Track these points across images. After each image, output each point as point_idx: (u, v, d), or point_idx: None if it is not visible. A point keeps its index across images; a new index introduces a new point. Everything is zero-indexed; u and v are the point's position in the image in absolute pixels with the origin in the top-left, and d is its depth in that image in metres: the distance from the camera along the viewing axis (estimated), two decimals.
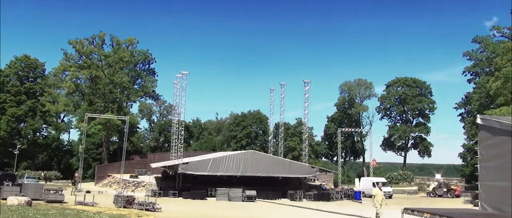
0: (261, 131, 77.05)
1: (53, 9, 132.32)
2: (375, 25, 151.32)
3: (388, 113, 75.67)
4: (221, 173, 36.44)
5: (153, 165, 44.47)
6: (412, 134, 74.10)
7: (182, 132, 44.42)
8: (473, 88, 60.83)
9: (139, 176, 44.33)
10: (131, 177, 42.77)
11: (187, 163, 35.87)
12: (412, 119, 75.03)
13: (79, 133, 60.71)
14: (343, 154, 76.49)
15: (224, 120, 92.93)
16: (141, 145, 78.82)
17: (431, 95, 74.54)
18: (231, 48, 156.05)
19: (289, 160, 42.33)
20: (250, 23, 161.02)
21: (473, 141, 54.86)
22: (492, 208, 13.26)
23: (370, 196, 37.51)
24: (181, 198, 33.38)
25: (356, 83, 76.94)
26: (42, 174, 53.72)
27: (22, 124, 62.98)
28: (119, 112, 56.25)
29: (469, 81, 62.55)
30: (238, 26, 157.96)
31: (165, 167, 41.44)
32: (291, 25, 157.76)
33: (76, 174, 41.91)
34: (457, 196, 43.43)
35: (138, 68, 64.35)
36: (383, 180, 47.32)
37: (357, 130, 72.77)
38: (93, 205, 22.92)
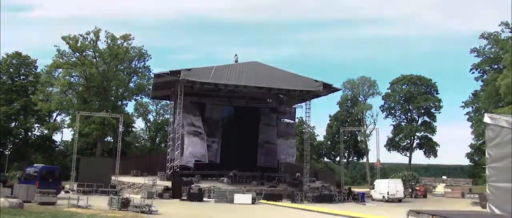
0: None
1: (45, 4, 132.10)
2: (378, 20, 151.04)
3: (393, 111, 75.71)
4: (225, 81, 37.51)
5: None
6: (418, 134, 74.18)
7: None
8: (481, 86, 60.82)
9: (134, 177, 44.22)
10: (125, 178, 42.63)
11: (189, 70, 36.19)
12: (417, 118, 75.08)
13: (72, 132, 60.68)
14: (346, 154, 76.58)
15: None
16: (136, 144, 78.78)
17: (437, 94, 74.64)
18: (230, 43, 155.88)
19: (292, 72, 41.54)
20: (247, 17, 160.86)
21: (481, 141, 54.87)
22: (500, 209, 13.27)
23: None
24: (178, 199, 33.38)
25: (359, 81, 76.97)
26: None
27: (14, 123, 62.96)
28: (114, 110, 56.18)
29: (476, 79, 62.54)
30: (236, 20, 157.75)
31: (161, 167, 41.64)
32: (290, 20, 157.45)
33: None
34: (424, 196, 44.35)
35: (133, 65, 64.20)
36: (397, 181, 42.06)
37: (360, 129, 72.80)
38: (87, 208, 22.91)
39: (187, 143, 41.61)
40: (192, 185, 35.92)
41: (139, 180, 41.56)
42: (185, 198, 33.37)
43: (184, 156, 41.19)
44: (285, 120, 49.26)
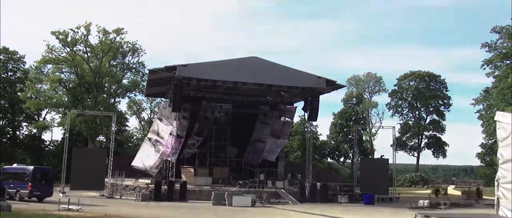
0: None
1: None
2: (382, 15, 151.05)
3: (400, 109, 75.66)
4: (223, 78, 37.60)
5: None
6: (426, 133, 74.21)
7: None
8: (492, 82, 60.75)
9: (128, 179, 44.06)
10: (117, 180, 42.47)
11: (185, 65, 36.13)
12: (425, 116, 75.10)
13: (63, 131, 60.72)
14: (351, 154, 76.53)
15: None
16: (130, 144, 78.71)
17: (446, 91, 74.64)
18: (226, 37, 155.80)
19: (295, 69, 41.69)
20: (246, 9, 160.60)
21: (492, 140, 54.90)
22: None
23: None
24: (172, 202, 33.41)
25: (364, 77, 76.92)
26: None
27: (1, 122, 62.93)
28: (106, 108, 56.14)
29: (487, 75, 62.42)
30: (233, 13, 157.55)
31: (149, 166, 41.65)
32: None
33: None
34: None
35: (126, 60, 64.09)
36: None
37: (365, 128, 72.77)
38: (78, 211, 22.93)
39: (142, 149, 44.32)
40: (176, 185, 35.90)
41: (133, 181, 41.48)
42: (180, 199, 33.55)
43: (135, 160, 43.56)
44: (285, 118, 49.19)
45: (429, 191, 53.31)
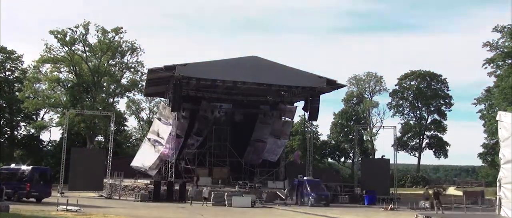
0: None
1: None
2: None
3: (401, 109, 75.64)
4: (222, 77, 38.01)
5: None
6: (427, 133, 74.20)
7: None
8: (494, 82, 60.69)
9: (125, 180, 44.05)
10: (115, 180, 42.50)
11: (185, 65, 36.20)
12: (427, 116, 75.10)
13: (61, 131, 60.69)
14: (351, 154, 76.58)
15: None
16: (128, 144, 78.73)
17: (447, 90, 74.62)
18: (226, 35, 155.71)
19: (296, 68, 41.94)
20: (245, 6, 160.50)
21: (494, 140, 54.88)
22: None
23: None
24: (172, 203, 33.43)
25: (365, 77, 76.95)
26: None
27: None
28: (105, 108, 56.14)
29: (489, 74, 62.34)
30: (232, 9, 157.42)
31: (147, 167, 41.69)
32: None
33: None
34: None
35: (125, 60, 64.05)
36: None
37: (366, 127, 72.76)
38: (76, 211, 22.93)
39: (141, 149, 44.88)
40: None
41: (132, 181, 41.53)
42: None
43: (134, 160, 43.90)
44: (286, 118, 49.26)
45: (430, 192, 53.21)
